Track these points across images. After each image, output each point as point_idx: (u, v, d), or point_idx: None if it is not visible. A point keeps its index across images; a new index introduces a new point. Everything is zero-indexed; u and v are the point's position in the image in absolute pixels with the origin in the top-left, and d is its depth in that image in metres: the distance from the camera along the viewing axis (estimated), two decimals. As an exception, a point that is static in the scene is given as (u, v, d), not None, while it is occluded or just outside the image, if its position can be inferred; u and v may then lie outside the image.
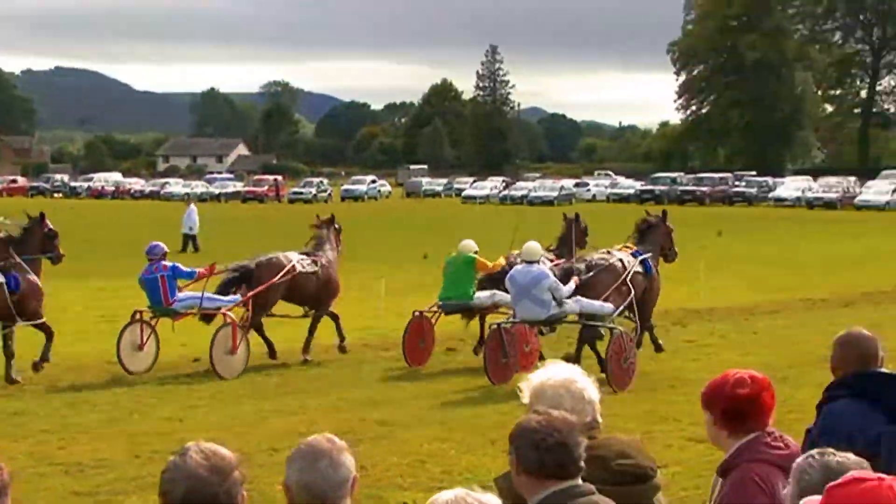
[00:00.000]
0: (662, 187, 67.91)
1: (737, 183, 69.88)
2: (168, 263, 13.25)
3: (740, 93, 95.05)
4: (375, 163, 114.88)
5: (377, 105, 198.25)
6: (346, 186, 75.63)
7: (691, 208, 56.57)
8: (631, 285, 12.88)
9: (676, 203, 62.53)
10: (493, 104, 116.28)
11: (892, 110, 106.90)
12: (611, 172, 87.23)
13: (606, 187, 73.55)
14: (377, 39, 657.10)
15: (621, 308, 12.68)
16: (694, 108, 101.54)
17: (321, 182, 74.56)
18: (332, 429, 3.13)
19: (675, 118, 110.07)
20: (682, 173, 76.38)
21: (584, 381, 3.49)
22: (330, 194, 70.42)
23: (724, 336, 16.00)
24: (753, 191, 66.43)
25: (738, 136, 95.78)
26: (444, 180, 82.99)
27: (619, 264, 12.91)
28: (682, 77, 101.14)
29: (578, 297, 12.16)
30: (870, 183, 66.72)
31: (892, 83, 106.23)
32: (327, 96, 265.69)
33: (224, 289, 13.61)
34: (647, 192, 67.69)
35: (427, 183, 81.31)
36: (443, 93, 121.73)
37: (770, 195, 63.86)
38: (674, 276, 17.41)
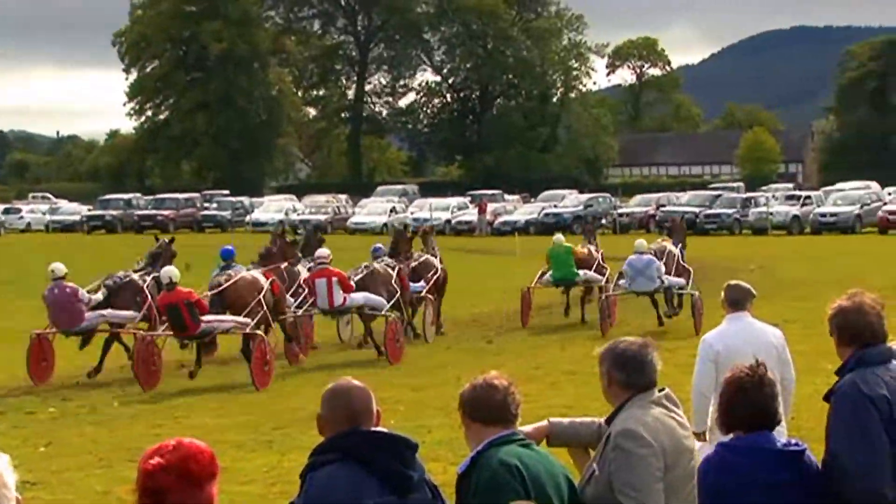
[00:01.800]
0: (115, 212, 67.84)
1: (206, 205, 71.35)
2: None
3: (206, 93, 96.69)
4: None
5: None
6: None
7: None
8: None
9: (134, 231, 62.47)
10: None
11: (385, 114, 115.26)
12: (49, 195, 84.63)
13: (45, 213, 71.45)
14: None
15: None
16: (150, 113, 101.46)
17: None
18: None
19: (128, 126, 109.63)
20: (138, 194, 76.37)
21: None
22: None
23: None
24: (227, 214, 68.30)
25: (208, 146, 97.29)
26: None
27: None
28: (133, 75, 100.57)
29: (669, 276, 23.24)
30: (363, 201, 72.21)
31: (383, 81, 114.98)
32: None
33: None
34: (95, 218, 67.55)
35: None
36: None
37: (247, 219, 65.85)
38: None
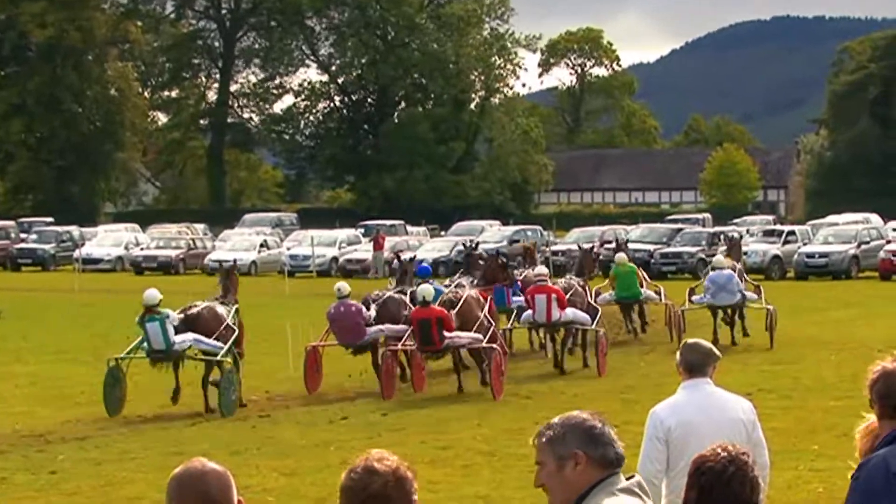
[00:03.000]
0: None
1: (24, 235, 71.13)
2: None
3: (23, 94, 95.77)
4: None
5: None
6: None
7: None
8: None
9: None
10: None
11: (256, 121, 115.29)
12: None
13: None
14: None
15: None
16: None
17: None
18: None
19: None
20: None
21: None
22: None
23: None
24: (49, 247, 67.74)
25: (25, 161, 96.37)
26: None
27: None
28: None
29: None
30: (226, 233, 72.05)
31: (254, 79, 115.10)
32: None
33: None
34: None
35: None
36: None
37: (76, 254, 65.12)
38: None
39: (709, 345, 8.91)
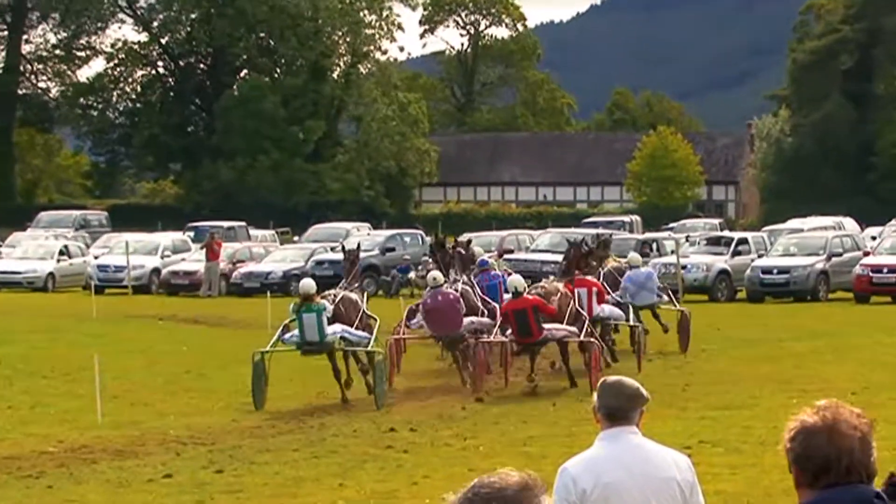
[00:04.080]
0: None
1: None
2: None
3: None
4: None
5: None
6: None
7: None
8: None
9: None
10: None
11: (55, 93, 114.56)
12: None
13: None
14: None
15: None
16: None
17: None
18: None
19: None
20: None
21: None
22: None
23: None
24: None
25: None
26: None
27: None
28: None
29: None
30: (15, 237, 71.31)
31: (52, 39, 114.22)
32: None
33: None
34: None
35: None
36: None
37: None
38: None
39: (635, 385, 8.84)
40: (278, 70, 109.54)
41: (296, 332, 28.44)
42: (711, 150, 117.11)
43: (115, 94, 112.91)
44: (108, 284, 60.11)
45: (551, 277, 34.91)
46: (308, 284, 28.90)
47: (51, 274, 62.10)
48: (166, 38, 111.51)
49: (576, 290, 31.73)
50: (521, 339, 29.58)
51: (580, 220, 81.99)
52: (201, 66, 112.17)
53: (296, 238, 74.30)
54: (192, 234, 70.11)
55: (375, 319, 30.11)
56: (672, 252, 58.10)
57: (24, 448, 23.50)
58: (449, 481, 17.18)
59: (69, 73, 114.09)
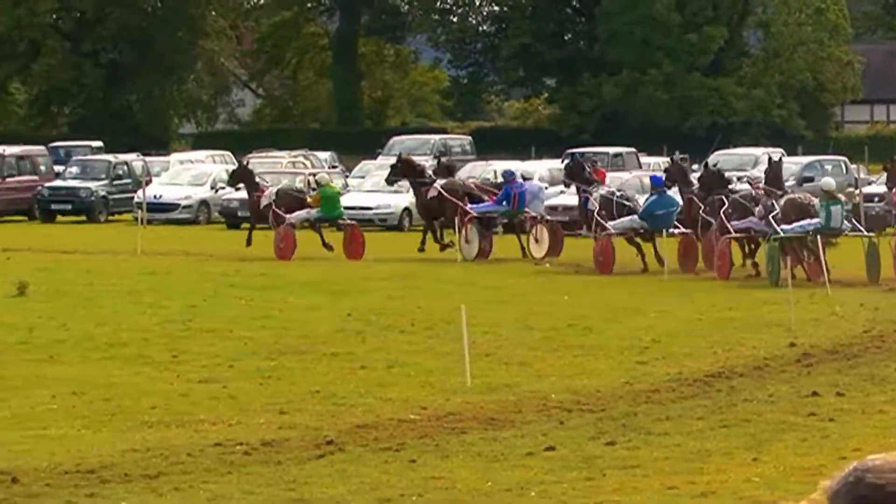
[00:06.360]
0: None
1: None
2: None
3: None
4: None
5: None
6: None
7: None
8: None
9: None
10: None
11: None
12: None
13: None
14: None
15: None
16: None
17: None
18: None
19: None
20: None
21: None
22: None
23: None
24: (96, 186, 69.70)
25: (61, 57, 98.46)
26: None
27: None
28: None
29: None
30: (365, 164, 72.46)
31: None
32: None
33: None
34: None
35: None
36: None
37: (138, 197, 66.68)
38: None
39: None
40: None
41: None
42: None
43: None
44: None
45: None
46: (829, 182, 42.30)
47: (406, 209, 62.82)
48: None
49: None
50: None
51: None
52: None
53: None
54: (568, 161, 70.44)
55: None
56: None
57: (381, 416, 23.91)
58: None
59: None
